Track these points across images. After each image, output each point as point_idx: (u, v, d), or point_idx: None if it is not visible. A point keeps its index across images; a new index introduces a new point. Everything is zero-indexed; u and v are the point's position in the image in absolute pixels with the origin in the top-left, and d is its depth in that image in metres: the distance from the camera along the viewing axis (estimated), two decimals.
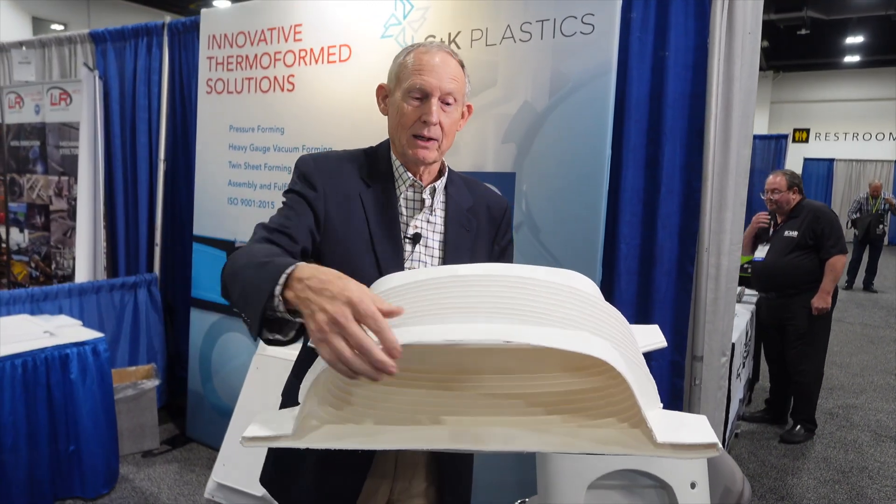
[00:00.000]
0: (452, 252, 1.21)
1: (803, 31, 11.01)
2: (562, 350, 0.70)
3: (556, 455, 1.54)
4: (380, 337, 0.70)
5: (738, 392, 3.46)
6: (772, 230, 3.74)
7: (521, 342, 0.69)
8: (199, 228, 3.25)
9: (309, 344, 0.79)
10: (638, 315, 2.27)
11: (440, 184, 1.24)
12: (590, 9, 2.08)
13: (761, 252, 3.72)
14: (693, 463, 1.52)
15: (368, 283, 0.87)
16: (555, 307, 0.77)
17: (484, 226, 1.28)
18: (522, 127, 2.24)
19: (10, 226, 4.45)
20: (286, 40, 2.87)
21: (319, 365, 0.79)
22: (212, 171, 3.18)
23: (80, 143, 3.63)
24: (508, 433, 0.83)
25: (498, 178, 2.26)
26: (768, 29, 10.98)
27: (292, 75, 2.86)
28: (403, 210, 1.21)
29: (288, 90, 2.88)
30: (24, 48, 4.32)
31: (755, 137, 9.76)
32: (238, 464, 2.61)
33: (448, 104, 1.15)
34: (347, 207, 1.16)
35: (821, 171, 14.63)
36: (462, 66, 1.19)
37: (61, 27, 10.46)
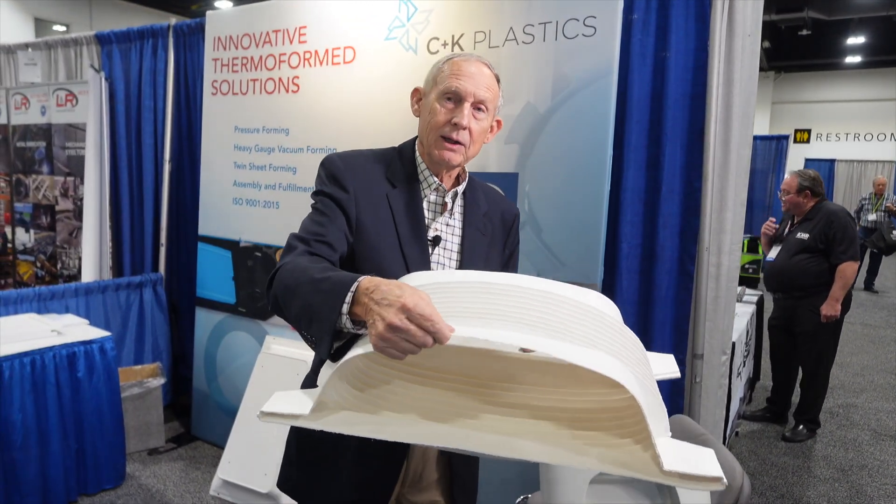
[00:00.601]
0: (469, 255, 1.24)
1: (804, 32, 11.00)
2: (580, 368, 0.72)
3: None
4: (436, 336, 0.75)
5: (739, 391, 3.48)
6: (787, 230, 3.71)
7: (548, 355, 0.72)
8: (203, 228, 3.28)
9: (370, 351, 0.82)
10: (639, 314, 2.30)
11: (460, 189, 1.27)
12: (591, 11, 2.10)
13: (774, 252, 3.71)
14: None
15: None
16: (577, 325, 0.79)
17: (498, 231, 1.33)
18: (525, 128, 2.26)
19: (16, 226, 4.49)
20: (291, 42, 2.90)
21: (355, 351, 0.82)
22: (217, 172, 3.21)
23: (87, 143, 3.66)
24: (516, 441, 0.85)
25: (501, 178, 2.28)
26: (769, 29, 10.98)
27: (297, 77, 2.89)
28: (426, 212, 1.24)
29: (292, 91, 2.91)
30: (29, 49, 4.36)
31: (756, 138, 9.77)
32: (243, 461, 2.64)
33: (480, 111, 1.18)
34: (376, 208, 1.19)
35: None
36: (498, 80, 1.22)
37: (63, 28, 10.48)
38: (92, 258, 3.59)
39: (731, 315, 2.27)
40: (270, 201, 3.01)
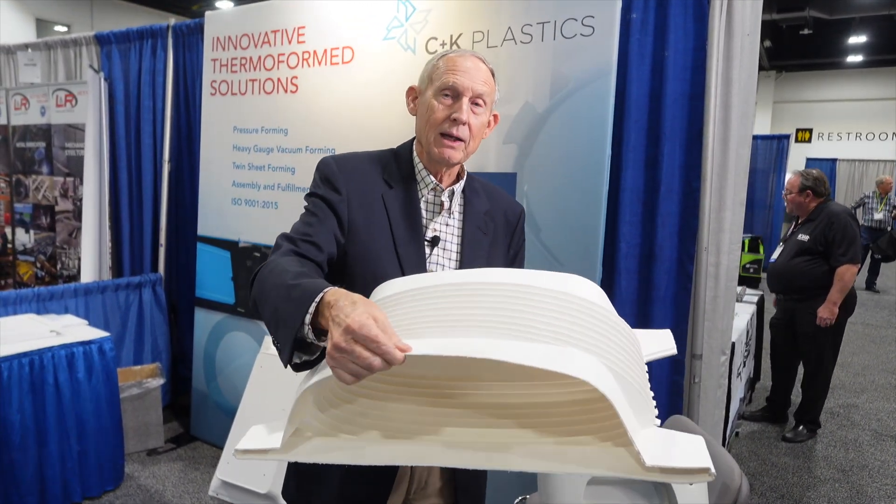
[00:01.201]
0: (469, 254, 1.22)
1: (806, 31, 10.97)
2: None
3: None
4: (385, 358, 0.74)
5: (739, 391, 3.47)
6: (790, 231, 3.69)
7: (498, 359, 0.70)
8: (203, 229, 3.27)
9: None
10: (638, 314, 2.29)
11: (459, 187, 1.25)
12: (590, 10, 2.10)
13: (777, 253, 3.69)
14: None
15: None
16: (548, 319, 0.77)
17: (500, 230, 1.30)
18: (523, 128, 2.26)
19: (15, 226, 4.49)
20: (289, 42, 2.90)
21: (318, 374, 0.81)
22: (216, 172, 3.21)
23: (86, 144, 3.66)
24: (496, 453, 0.83)
25: (499, 178, 2.28)
26: (770, 29, 10.96)
27: (295, 77, 2.89)
28: (423, 213, 1.22)
29: (291, 92, 2.91)
30: (29, 50, 4.36)
31: (757, 137, 9.75)
32: (242, 462, 2.63)
33: (478, 105, 1.17)
34: (371, 209, 1.18)
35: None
36: (493, 74, 1.21)
37: (65, 28, 10.49)
38: (91, 259, 3.59)
39: (731, 315, 2.27)
40: (269, 201, 3.01)
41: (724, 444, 2.83)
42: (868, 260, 8.67)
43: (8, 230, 4.56)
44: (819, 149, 15.10)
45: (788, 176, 3.63)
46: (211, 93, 3.22)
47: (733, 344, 2.58)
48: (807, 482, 3.15)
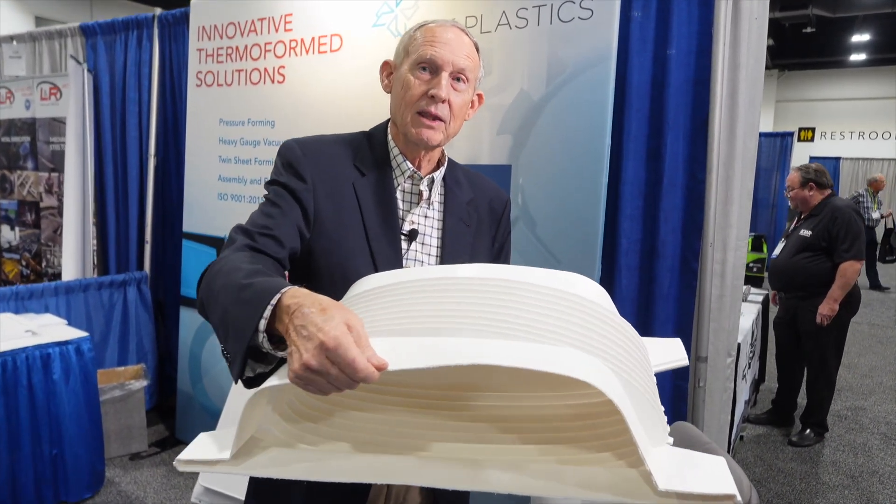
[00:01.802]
0: (451, 249, 1.10)
1: (809, 30, 10.87)
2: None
3: None
4: (362, 380, 0.63)
5: (744, 393, 3.36)
6: (792, 227, 3.59)
7: (489, 363, 0.59)
8: (188, 225, 3.16)
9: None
10: (639, 314, 2.18)
11: (439, 175, 1.12)
12: None
13: (778, 249, 3.58)
14: None
15: None
16: (545, 318, 0.66)
17: (485, 221, 1.18)
18: (518, 117, 2.14)
19: (1, 223, 4.38)
20: (276, 30, 2.78)
21: (274, 377, 0.69)
22: (201, 166, 3.10)
23: (67, 138, 3.55)
24: (482, 470, 0.72)
25: (493, 170, 2.16)
26: (773, 27, 10.84)
27: (283, 66, 2.78)
28: (399, 203, 1.09)
29: (278, 82, 2.80)
30: (14, 42, 4.25)
31: (761, 135, 9.60)
32: None
33: (459, 82, 1.04)
34: (340, 199, 1.05)
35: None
36: (477, 48, 1.08)
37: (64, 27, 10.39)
38: (73, 256, 3.48)
39: (737, 315, 2.15)
40: (256, 196, 2.90)
41: (728, 450, 2.71)
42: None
43: None
44: (822, 147, 15.00)
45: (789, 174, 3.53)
46: (196, 84, 3.11)
47: (739, 345, 2.47)
48: (815, 488, 3.03)
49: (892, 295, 8.58)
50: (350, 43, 2.56)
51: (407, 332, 0.68)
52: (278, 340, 0.72)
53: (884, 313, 7.36)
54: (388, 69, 1.13)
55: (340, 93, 2.59)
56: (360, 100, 2.51)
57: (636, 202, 2.13)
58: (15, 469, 2.45)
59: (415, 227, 1.09)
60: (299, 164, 1.04)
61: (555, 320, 0.67)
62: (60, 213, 3.96)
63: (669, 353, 0.92)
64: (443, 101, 1.02)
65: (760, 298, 3.86)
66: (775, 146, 9.49)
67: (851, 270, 3.26)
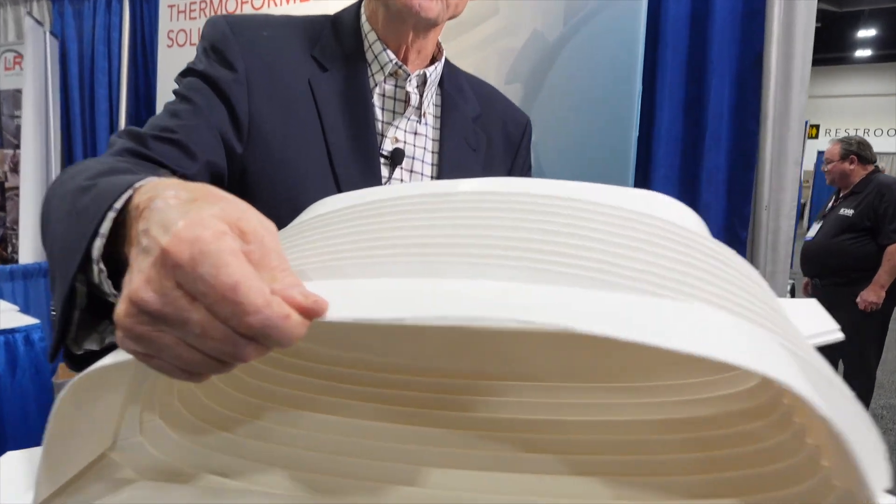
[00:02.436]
0: (450, 179, 0.78)
1: (816, 25, 10.74)
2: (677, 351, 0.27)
3: None
4: (257, 329, 0.30)
5: None
6: (830, 206, 3.31)
7: (568, 327, 0.27)
8: None
9: None
10: None
11: (433, 73, 0.80)
12: None
13: (814, 230, 3.28)
14: None
15: None
16: (636, 254, 0.34)
17: (498, 148, 0.87)
18: (530, 63, 1.88)
19: None
20: None
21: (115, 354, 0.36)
22: None
23: (24, 108, 3.28)
24: None
25: None
26: None
27: None
28: (378, 112, 0.78)
29: None
30: None
31: None
32: None
33: None
34: (289, 102, 0.73)
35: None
36: None
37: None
38: (32, 238, 3.20)
39: (786, 296, 1.85)
40: None
41: None
42: None
43: None
44: (827, 144, 14.87)
45: (827, 147, 3.24)
46: (168, 44, 2.82)
47: None
48: None
49: None
50: None
51: (386, 274, 0.36)
52: None
53: None
54: None
55: None
56: None
57: (673, 161, 1.88)
58: None
59: (399, 145, 0.78)
60: (228, 48, 0.71)
61: (670, 261, 0.35)
62: None
63: (816, 320, 0.56)
64: None
65: (789, 287, 3.56)
66: None
67: None
